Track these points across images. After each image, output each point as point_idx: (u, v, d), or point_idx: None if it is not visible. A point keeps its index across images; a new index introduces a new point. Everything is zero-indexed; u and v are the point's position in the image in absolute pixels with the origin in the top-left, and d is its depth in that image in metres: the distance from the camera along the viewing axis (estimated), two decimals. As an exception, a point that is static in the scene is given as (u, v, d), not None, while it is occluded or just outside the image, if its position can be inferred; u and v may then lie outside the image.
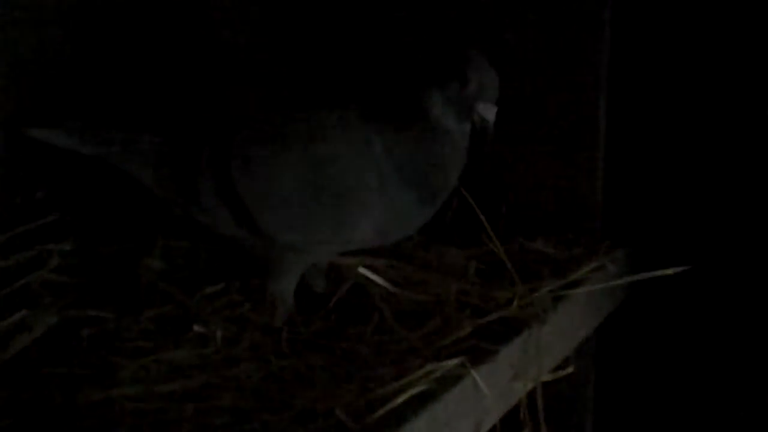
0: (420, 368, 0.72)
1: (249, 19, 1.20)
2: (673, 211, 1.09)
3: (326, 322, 0.83)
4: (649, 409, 1.13)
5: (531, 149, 1.10)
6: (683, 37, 1.06)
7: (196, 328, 0.78)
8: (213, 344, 0.76)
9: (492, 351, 0.79)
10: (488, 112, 0.78)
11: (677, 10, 1.06)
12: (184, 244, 0.96)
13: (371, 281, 0.89)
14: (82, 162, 0.91)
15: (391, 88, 0.82)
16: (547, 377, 0.88)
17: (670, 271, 0.96)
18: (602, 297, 1.01)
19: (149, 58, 1.10)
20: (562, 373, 0.92)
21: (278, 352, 0.76)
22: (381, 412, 0.66)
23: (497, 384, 0.79)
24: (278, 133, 0.82)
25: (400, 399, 0.68)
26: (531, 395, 0.85)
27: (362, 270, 0.89)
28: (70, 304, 0.82)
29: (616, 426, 1.15)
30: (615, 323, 1.08)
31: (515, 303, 0.87)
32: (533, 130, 1.09)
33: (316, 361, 0.75)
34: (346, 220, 0.79)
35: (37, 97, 0.99)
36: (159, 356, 0.73)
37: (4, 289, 0.85)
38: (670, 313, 1.10)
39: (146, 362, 0.72)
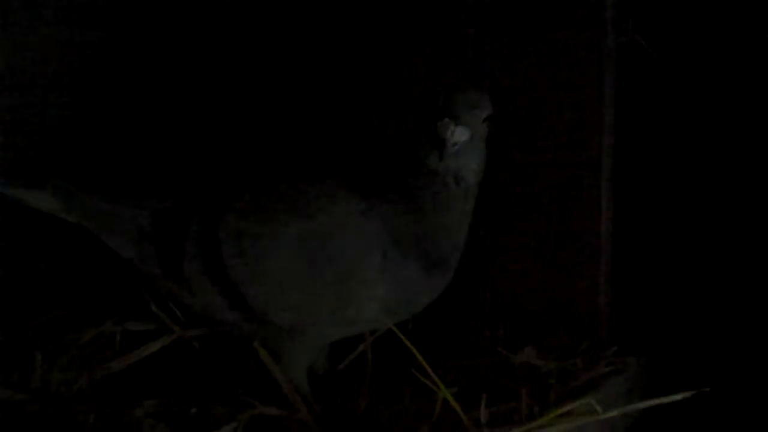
0: None
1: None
2: (695, 309, 0.92)
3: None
4: None
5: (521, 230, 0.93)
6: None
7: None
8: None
9: None
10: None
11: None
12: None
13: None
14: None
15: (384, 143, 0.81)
16: None
17: (678, 397, 0.77)
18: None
19: (146, 119, 1.07)
20: None
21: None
22: None
23: None
24: (271, 207, 0.77)
25: None
26: None
27: None
28: None
29: None
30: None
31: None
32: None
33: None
34: (346, 298, 0.74)
35: (27, 156, 0.97)
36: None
37: None
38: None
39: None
